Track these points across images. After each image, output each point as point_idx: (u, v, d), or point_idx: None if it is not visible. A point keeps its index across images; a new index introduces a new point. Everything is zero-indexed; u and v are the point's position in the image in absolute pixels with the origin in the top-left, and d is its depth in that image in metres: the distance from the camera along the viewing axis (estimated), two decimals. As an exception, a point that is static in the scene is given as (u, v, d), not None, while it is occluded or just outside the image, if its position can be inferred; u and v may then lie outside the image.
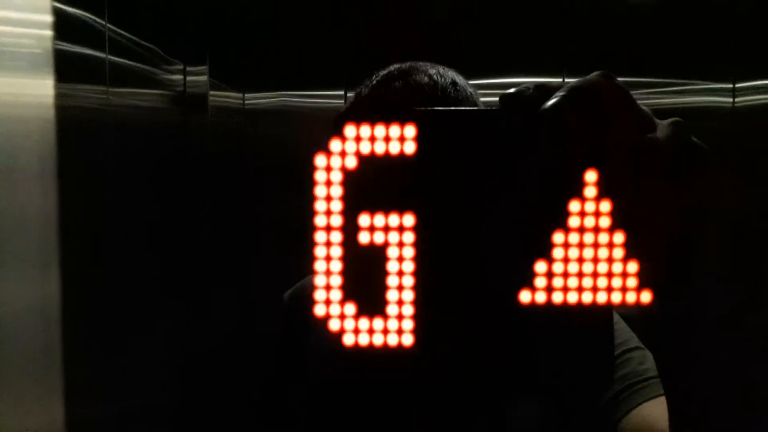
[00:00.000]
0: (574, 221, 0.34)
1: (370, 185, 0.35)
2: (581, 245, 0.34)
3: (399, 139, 0.34)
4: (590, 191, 0.34)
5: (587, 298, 0.34)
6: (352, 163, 0.35)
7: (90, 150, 1.28)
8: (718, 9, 1.59)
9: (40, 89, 1.10)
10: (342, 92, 2.03)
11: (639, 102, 0.36)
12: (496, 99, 0.36)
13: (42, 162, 1.07)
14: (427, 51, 1.84)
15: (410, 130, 0.34)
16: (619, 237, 0.34)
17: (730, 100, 1.64)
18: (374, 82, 0.69)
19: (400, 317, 0.35)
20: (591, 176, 0.34)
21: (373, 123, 0.34)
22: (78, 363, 1.10)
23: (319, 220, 0.35)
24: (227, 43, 2.03)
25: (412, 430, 0.63)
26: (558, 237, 0.34)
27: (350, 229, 0.35)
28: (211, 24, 1.99)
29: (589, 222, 0.34)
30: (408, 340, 0.35)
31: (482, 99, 0.70)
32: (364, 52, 1.87)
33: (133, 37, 1.56)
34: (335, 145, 0.34)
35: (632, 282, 0.34)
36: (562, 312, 0.34)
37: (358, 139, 0.34)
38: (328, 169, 0.34)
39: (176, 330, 1.67)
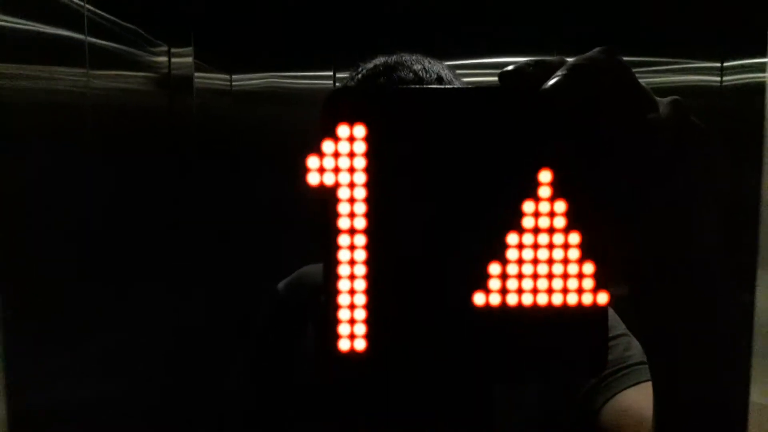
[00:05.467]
0: (528, 222, 0.33)
1: None
2: (536, 246, 0.33)
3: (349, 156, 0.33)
4: (545, 191, 0.33)
5: (542, 300, 0.33)
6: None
7: (66, 135, 1.25)
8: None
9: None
10: (331, 73, 2.01)
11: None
12: (494, 79, 0.35)
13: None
14: (418, 30, 1.82)
15: (360, 129, 0.33)
16: (574, 238, 0.33)
17: (718, 78, 1.62)
18: (359, 76, 0.69)
19: (352, 321, 0.34)
20: (545, 176, 0.33)
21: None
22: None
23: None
24: (213, 23, 2.00)
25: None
26: (512, 238, 0.34)
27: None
28: (196, 3, 1.95)
29: (544, 223, 0.33)
30: (360, 344, 0.34)
31: (479, 79, 0.67)
32: (353, 32, 1.84)
33: (115, 19, 1.53)
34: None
35: (588, 283, 0.33)
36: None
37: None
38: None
39: (160, 318, 1.66)
